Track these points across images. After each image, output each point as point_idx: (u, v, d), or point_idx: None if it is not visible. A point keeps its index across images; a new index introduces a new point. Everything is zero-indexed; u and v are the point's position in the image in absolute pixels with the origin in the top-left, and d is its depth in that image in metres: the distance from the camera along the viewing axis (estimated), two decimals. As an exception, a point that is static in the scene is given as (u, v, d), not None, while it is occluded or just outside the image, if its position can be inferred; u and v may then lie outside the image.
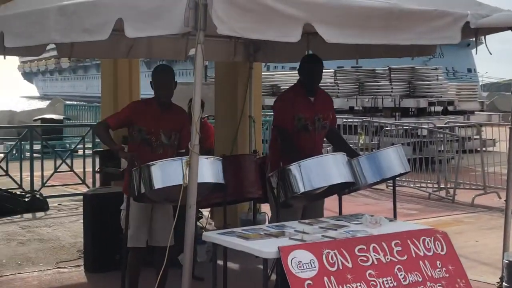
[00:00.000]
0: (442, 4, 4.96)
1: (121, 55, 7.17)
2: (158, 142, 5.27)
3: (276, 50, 7.61)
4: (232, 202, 6.59)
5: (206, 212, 8.42)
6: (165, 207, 5.33)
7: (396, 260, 4.22)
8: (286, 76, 21.47)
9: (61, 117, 20.84)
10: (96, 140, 11.96)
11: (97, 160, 9.77)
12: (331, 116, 6.01)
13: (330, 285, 3.89)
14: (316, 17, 4.20)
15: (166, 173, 4.74)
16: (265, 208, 7.91)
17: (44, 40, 4.90)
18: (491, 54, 5.37)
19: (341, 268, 4.00)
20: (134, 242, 5.25)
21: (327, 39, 4.27)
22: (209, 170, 4.74)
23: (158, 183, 4.76)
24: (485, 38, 5.52)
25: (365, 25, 4.51)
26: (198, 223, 7.59)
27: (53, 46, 6.45)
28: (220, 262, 4.55)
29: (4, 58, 5.69)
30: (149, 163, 4.81)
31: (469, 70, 49.27)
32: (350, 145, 6.62)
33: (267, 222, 7.50)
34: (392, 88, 17.55)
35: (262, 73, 10.05)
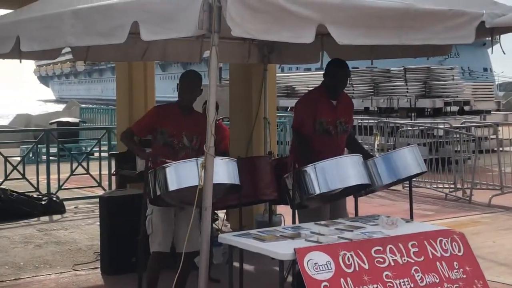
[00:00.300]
0: (458, 4, 4.93)
1: (136, 58, 7.19)
2: (180, 145, 5.29)
3: (290, 52, 7.61)
4: (247, 203, 6.58)
5: (221, 214, 8.43)
6: (190, 214, 5.33)
7: (413, 261, 4.20)
8: (301, 77, 21.44)
9: (77, 120, 20.97)
10: (112, 142, 12.02)
11: (113, 163, 9.79)
12: (352, 119, 6.01)
13: (346, 286, 3.88)
14: (329, 18, 4.19)
15: (181, 174, 4.74)
16: (281, 209, 7.90)
17: (60, 44, 4.92)
18: (504, 53, 5.35)
19: (357, 269, 3.99)
20: (157, 246, 5.25)
21: (339, 40, 4.25)
22: (224, 171, 4.74)
23: (173, 185, 4.77)
24: (499, 37, 5.49)
25: (379, 25, 4.49)
26: (214, 225, 7.59)
27: (68, 49, 6.49)
28: (236, 264, 4.56)
29: (20, 61, 5.74)
30: (164, 165, 4.82)
31: (485, 70, 48.90)
32: (365, 146, 6.60)
33: (283, 224, 7.50)
34: (407, 89, 17.47)
35: (277, 75, 10.06)
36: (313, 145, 5.63)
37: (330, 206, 5.81)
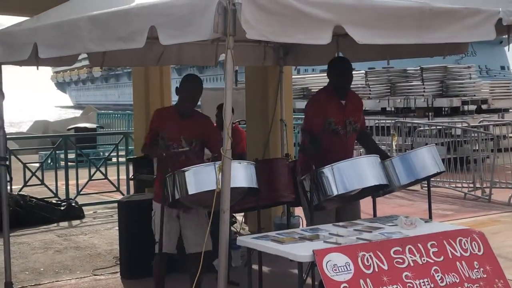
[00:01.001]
0: (474, 2, 4.90)
1: (152, 63, 7.22)
2: (179, 149, 5.32)
3: (305, 53, 7.60)
4: (265, 206, 6.58)
5: (239, 216, 8.43)
6: (197, 215, 5.36)
7: (432, 262, 4.18)
8: (317, 78, 21.41)
9: (94, 125, 21.07)
10: (130, 147, 12.07)
11: (131, 168, 9.83)
12: (362, 117, 5.97)
13: (366, 287, 3.87)
14: (346, 19, 4.18)
15: (199, 178, 4.76)
16: (299, 211, 7.89)
17: (80, 50, 4.95)
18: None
19: (377, 270, 3.97)
20: (163, 248, 5.28)
21: (359, 40, 4.24)
22: (242, 174, 4.75)
23: (192, 189, 4.79)
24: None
25: (397, 25, 4.47)
26: (232, 228, 7.60)
27: (84, 56, 6.52)
28: (255, 267, 4.56)
29: (37, 68, 5.77)
30: (183, 168, 4.83)
31: (503, 68, 48.56)
32: (383, 147, 6.57)
33: (301, 226, 7.49)
34: (424, 88, 17.40)
35: (293, 77, 10.06)
36: (322, 145, 5.62)
37: (344, 208, 5.78)
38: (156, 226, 5.32)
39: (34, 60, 5.40)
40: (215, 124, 8.02)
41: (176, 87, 5.46)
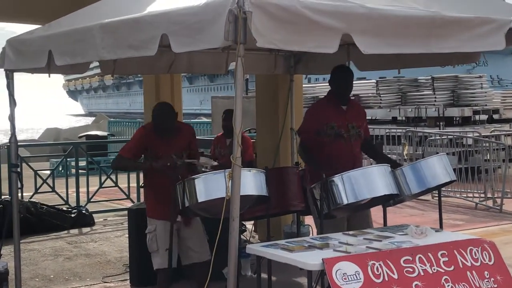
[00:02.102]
0: (484, 11, 4.89)
1: (162, 71, 7.24)
2: (174, 164, 5.34)
3: (316, 62, 7.60)
4: (275, 214, 6.58)
5: (249, 225, 8.42)
6: (196, 225, 5.38)
7: (443, 271, 4.15)
8: (327, 88, 21.35)
9: (105, 133, 21.16)
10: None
11: (141, 175, 9.84)
12: (365, 125, 5.99)
13: (376, 297, 3.85)
14: (354, 28, 4.18)
15: (209, 186, 4.76)
16: (309, 220, 7.87)
17: (93, 58, 4.99)
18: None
19: (386, 279, 3.95)
20: (161, 264, 5.30)
21: (364, 50, 4.24)
22: (252, 182, 4.75)
23: (201, 197, 4.79)
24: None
25: (406, 34, 4.47)
26: (242, 236, 7.59)
27: (96, 64, 6.55)
28: (264, 275, 4.55)
29: (49, 76, 5.79)
30: (193, 176, 4.85)
31: (515, 78, 48.40)
32: (393, 157, 6.57)
33: (311, 234, 7.47)
34: (435, 97, 17.34)
35: (303, 85, 10.04)
36: (329, 151, 5.63)
37: (354, 216, 5.78)
38: (161, 241, 5.30)
39: (46, 67, 5.42)
40: (221, 132, 8.07)
41: (153, 115, 5.49)
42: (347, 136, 5.70)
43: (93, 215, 10.32)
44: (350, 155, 5.65)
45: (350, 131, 5.73)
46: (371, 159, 9.33)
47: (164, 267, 5.28)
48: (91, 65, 6.36)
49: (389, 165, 5.38)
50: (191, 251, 5.38)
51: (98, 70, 6.95)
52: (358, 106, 6.07)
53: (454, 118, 17.28)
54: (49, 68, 5.43)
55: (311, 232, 7.73)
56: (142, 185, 8.60)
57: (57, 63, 5.22)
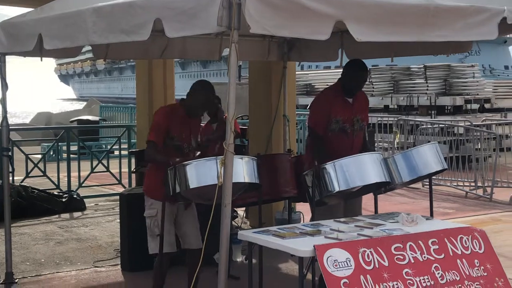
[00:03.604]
0: (478, 0, 4.89)
1: (155, 56, 7.21)
2: (189, 148, 5.32)
3: (309, 49, 7.59)
4: (267, 201, 6.59)
5: (241, 211, 8.44)
6: (190, 211, 5.36)
7: (433, 259, 4.18)
8: (320, 75, 21.40)
9: (97, 118, 21.07)
10: (132, 140, 12.08)
11: (133, 160, 9.85)
12: (367, 116, 5.98)
13: (366, 283, 3.87)
14: (348, 14, 4.17)
15: (201, 172, 4.76)
16: (300, 207, 7.90)
17: (83, 42, 4.94)
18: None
19: (377, 266, 3.97)
20: (169, 247, 5.25)
21: (357, 37, 4.22)
22: (243, 170, 4.76)
23: (193, 183, 4.79)
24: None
25: (400, 22, 4.46)
26: (234, 223, 7.60)
27: (88, 48, 6.53)
28: (255, 261, 4.56)
29: (41, 60, 5.76)
30: (184, 162, 4.84)
31: (506, 67, 48.51)
32: (384, 144, 6.57)
33: (302, 221, 7.49)
34: (427, 86, 17.39)
35: (296, 73, 10.04)
36: (329, 144, 5.63)
37: (345, 204, 5.80)
38: (159, 225, 5.18)
39: (38, 51, 5.40)
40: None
41: (188, 93, 5.32)
42: (350, 131, 5.71)
43: (84, 199, 10.31)
44: (350, 149, 5.65)
45: (354, 125, 5.72)
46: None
47: (165, 251, 5.21)
48: (84, 49, 6.33)
49: (381, 153, 5.40)
50: (186, 235, 5.36)
51: (90, 55, 6.98)
52: (362, 95, 5.97)
53: (446, 107, 17.34)
54: (41, 51, 5.40)
55: (302, 219, 7.75)
56: (134, 170, 8.64)
57: (46, 46, 5.18)
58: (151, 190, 5.31)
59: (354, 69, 5.72)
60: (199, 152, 5.58)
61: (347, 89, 5.72)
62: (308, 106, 19.72)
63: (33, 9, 5.91)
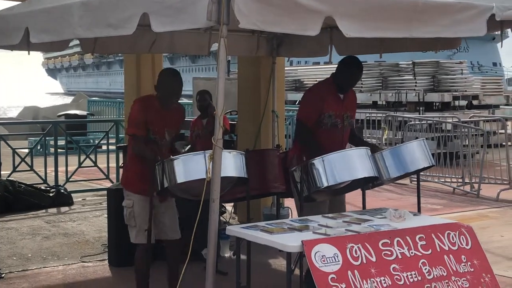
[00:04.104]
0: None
1: (144, 50, 7.18)
2: (163, 142, 5.27)
3: (299, 45, 7.59)
4: (255, 196, 6.59)
5: (229, 207, 8.44)
6: (168, 202, 5.34)
7: (420, 254, 4.20)
8: (310, 71, 21.39)
9: (84, 112, 21.01)
10: (120, 135, 12.04)
11: (121, 155, 9.82)
12: (355, 112, 5.99)
13: (354, 279, 3.88)
14: (338, 10, 4.17)
15: (189, 167, 4.75)
16: (288, 202, 7.90)
17: (69, 36, 4.91)
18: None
19: (365, 262, 3.99)
20: (140, 239, 5.23)
21: (346, 33, 4.23)
22: (231, 164, 4.75)
23: (180, 178, 4.77)
24: (510, 31, 5.47)
25: (388, 18, 4.47)
26: (222, 218, 7.60)
27: (76, 42, 6.49)
28: (243, 257, 4.56)
29: (29, 53, 5.73)
30: (172, 157, 4.82)
31: (494, 64, 48.80)
32: (373, 141, 6.59)
33: (290, 217, 7.50)
34: (416, 82, 17.42)
35: (285, 68, 10.03)
36: (320, 139, 5.62)
37: (330, 199, 5.80)
38: (138, 217, 5.18)
39: (25, 44, 5.36)
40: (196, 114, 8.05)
41: (155, 85, 5.26)
42: (341, 126, 5.70)
43: (72, 194, 10.26)
44: (340, 145, 5.65)
45: (344, 121, 5.72)
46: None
47: (143, 242, 5.21)
48: (72, 43, 6.30)
49: (369, 148, 5.41)
50: (164, 226, 5.33)
51: (78, 49, 6.92)
52: (352, 92, 5.99)
53: (434, 103, 17.38)
54: (28, 45, 5.37)
55: (290, 214, 7.76)
56: (122, 165, 8.61)
57: (32, 40, 5.15)
58: (128, 183, 5.32)
59: (351, 67, 5.69)
60: (189, 147, 5.58)
61: (340, 85, 5.71)
62: (298, 102, 19.77)
63: (21, 2, 5.87)
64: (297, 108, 15.68)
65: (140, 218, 5.21)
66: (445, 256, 4.27)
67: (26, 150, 12.23)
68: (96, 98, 32.68)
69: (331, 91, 5.71)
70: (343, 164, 5.19)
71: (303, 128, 5.70)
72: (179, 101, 5.52)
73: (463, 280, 4.23)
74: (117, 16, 4.40)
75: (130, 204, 5.26)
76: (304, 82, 20.30)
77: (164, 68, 5.46)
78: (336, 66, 5.81)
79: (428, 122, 14.26)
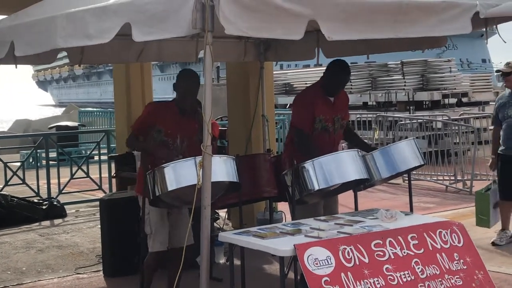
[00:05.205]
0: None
1: (131, 59, 7.17)
2: (174, 145, 5.28)
3: (286, 49, 7.60)
4: (248, 201, 6.59)
5: (223, 213, 8.43)
6: (180, 210, 5.34)
7: (413, 254, 4.21)
8: (299, 74, 21.43)
9: (76, 124, 20.94)
10: (112, 145, 12.02)
11: (113, 165, 9.81)
12: (348, 113, 6.00)
13: (347, 281, 3.89)
14: (320, 13, 4.18)
15: (179, 174, 4.74)
16: (281, 206, 7.91)
17: (48, 47, 4.87)
18: (505, 42, 5.37)
19: (357, 263, 4.00)
20: (159, 246, 5.24)
21: (328, 36, 4.24)
22: (222, 169, 4.75)
23: (172, 185, 4.77)
24: (497, 27, 5.50)
25: (372, 20, 4.48)
26: (215, 224, 7.60)
27: (65, 54, 6.48)
28: (237, 262, 4.56)
29: (16, 67, 5.72)
30: (162, 165, 4.82)
31: (484, 61, 48.98)
32: (365, 140, 6.60)
33: (284, 221, 7.50)
34: (405, 82, 17.48)
35: (275, 72, 10.08)
36: (313, 143, 5.63)
37: (324, 201, 5.81)
38: (154, 224, 5.20)
39: (12, 58, 5.35)
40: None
41: (174, 83, 5.32)
42: (332, 130, 5.72)
43: (65, 206, 10.23)
44: (331, 147, 5.66)
45: (335, 124, 5.74)
46: (343, 145, 9.40)
47: (156, 250, 5.22)
48: (60, 55, 6.29)
49: (358, 150, 5.42)
50: (178, 236, 5.32)
51: (67, 60, 6.87)
52: (343, 94, 5.99)
53: (424, 102, 17.44)
54: (15, 59, 5.36)
55: (284, 218, 7.76)
56: (114, 175, 8.60)
57: (16, 53, 5.12)
58: (137, 186, 5.33)
59: (338, 71, 5.69)
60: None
61: (329, 88, 5.73)
62: (289, 106, 19.78)
63: (7, 16, 5.86)
64: (288, 112, 15.64)
65: (156, 226, 5.21)
66: (438, 255, 4.28)
67: (18, 164, 12.20)
68: (88, 109, 32.62)
69: (320, 95, 5.72)
70: (334, 167, 5.20)
71: (300, 134, 5.67)
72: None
73: (456, 277, 4.25)
74: (97, 27, 4.39)
75: (147, 211, 5.26)
76: (294, 86, 20.33)
77: (183, 69, 5.50)
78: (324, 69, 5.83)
79: (419, 121, 14.30)
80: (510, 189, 7.37)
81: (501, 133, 7.47)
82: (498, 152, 7.54)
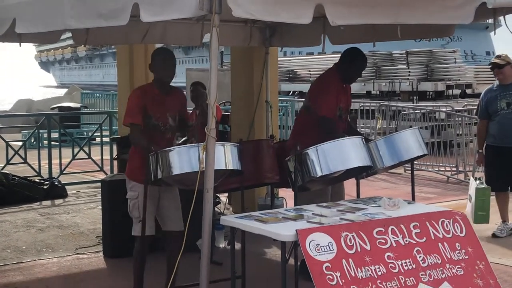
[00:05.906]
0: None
1: (136, 41, 7.15)
2: (166, 127, 5.23)
3: (291, 35, 7.57)
4: (249, 187, 6.59)
5: (224, 197, 8.44)
6: (172, 193, 5.31)
7: (414, 243, 4.20)
8: (303, 61, 21.37)
9: (78, 105, 20.94)
10: (114, 127, 12.01)
11: (115, 147, 9.80)
12: None
13: (348, 267, 3.88)
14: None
15: (184, 159, 4.72)
16: (283, 192, 7.90)
17: (60, 26, 4.85)
18: (512, 32, 5.32)
19: (359, 250, 3.99)
20: (149, 230, 5.17)
21: (332, 21, 4.21)
22: (226, 156, 4.73)
23: (176, 169, 4.75)
24: (504, 18, 5.45)
25: (375, 4, 4.45)
26: (216, 208, 7.60)
27: (69, 35, 6.44)
28: (238, 246, 4.56)
29: (20, 45, 5.68)
30: (167, 149, 4.80)
31: (488, 53, 48.84)
32: (367, 130, 6.58)
33: (285, 207, 7.50)
34: (409, 72, 17.43)
35: (279, 59, 10.01)
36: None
37: (332, 189, 5.81)
38: (140, 208, 5.12)
39: (16, 36, 5.31)
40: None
41: (149, 64, 5.24)
42: (344, 117, 5.74)
43: (66, 187, 10.25)
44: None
45: (347, 113, 5.77)
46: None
47: (145, 234, 5.16)
48: (64, 36, 6.25)
49: (362, 137, 5.41)
50: (168, 219, 5.30)
51: (71, 41, 6.85)
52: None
53: (428, 92, 17.41)
54: (20, 36, 5.32)
55: (285, 204, 7.76)
56: (116, 156, 8.60)
57: (17, 30, 5.02)
58: (133, 173, 5.24)
59: (357, 59, 5.71)
60: (184, 138, 5.55)
61: (346, 76, 5.71)
62: (291, 93, 19.74)
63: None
64: (291, 99, 15.53)
65: (146, 210, 5.14)
66: (440, 244, 4.27)
67: (20, 143, 12.19)
68: (89, 91, 32.54)
69: (340, 84, 5.72)
70: (337, 154, 5.19)
71: (333, 124, 5.59)
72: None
73: (458, 267, 4.24)
74: (108, 7, 4.36)
75: (135, 195, 5.18)
76: (298, 73, 20.28)
77: (156, 48, 5.44)
78: (339, 57, 5.79)
79: (422, 111, 14.26)
80: (503, 180, 7.35)
81: (493, 126, 7.38)
82: (489, 144, 7.45)
